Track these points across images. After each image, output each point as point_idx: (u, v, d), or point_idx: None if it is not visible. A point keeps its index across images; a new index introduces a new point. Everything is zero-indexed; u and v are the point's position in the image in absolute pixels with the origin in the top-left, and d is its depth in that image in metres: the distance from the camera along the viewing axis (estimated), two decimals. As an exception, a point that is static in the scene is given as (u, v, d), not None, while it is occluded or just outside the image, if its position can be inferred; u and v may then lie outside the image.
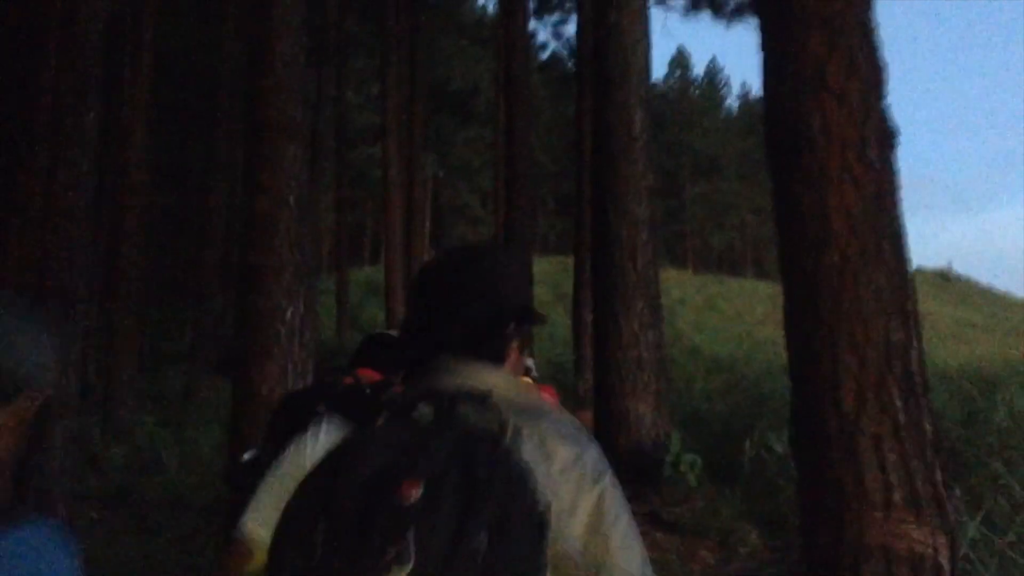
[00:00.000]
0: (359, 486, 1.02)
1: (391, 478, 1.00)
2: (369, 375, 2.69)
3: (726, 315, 30.01)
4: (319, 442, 1.22)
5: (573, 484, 1.14)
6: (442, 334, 1.28)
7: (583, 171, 13.43)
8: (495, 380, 1.23)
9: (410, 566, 0.94)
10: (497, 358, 1.28)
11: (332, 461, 1.09)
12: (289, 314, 4.81)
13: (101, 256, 10.88)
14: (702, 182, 50.25)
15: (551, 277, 33.05)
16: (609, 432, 6.84)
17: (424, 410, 1.12)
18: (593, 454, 1.19)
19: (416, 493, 0.98)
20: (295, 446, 1.28)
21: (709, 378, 13.19)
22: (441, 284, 1.32)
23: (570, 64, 21.59)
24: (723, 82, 58.40)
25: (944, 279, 57.56)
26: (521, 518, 1.02)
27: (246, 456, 2.36)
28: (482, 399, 1.15)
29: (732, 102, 59.71)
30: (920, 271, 58.22)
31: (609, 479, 1.18)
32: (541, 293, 36.44)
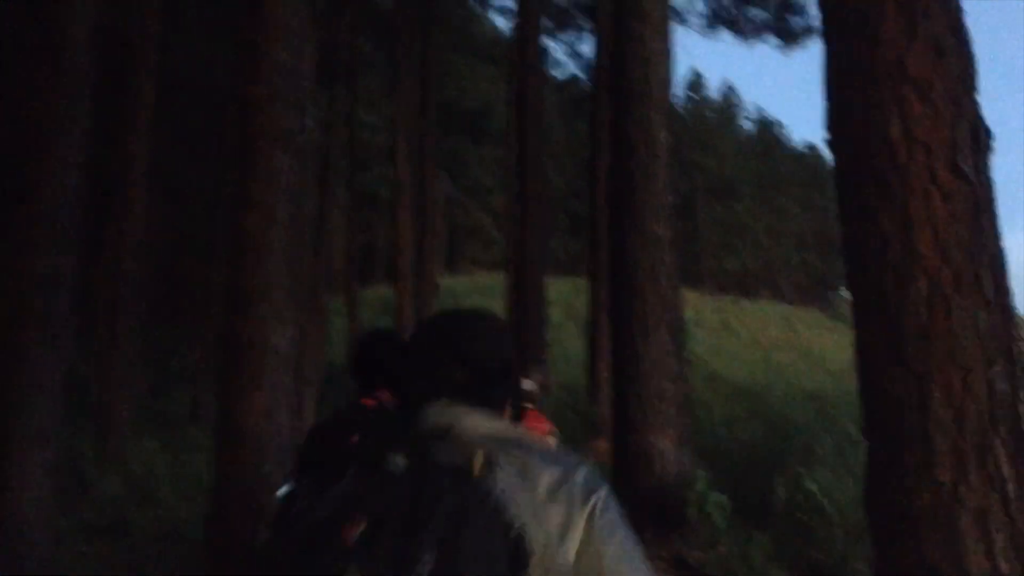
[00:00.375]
0: (301, 535, 1.00)
1: (333, 523, 0.98)
2: (388, 396, 2.70)
3: (742, 338, 29.33)
4: None
5: (562, 506, 1.07)
6: (433, 389, 1.21)
7: (597, 190, 13.01)
8: (472, 418, 1.16)
9: None
10: (491, 406, 1.21)
11: (280, 518, 1.07)
12: (281, 341, 4.36)
13: (103, 275, 10.53)
14: (716, 204, 49.78)
15: (564, 298, 32.62)
16: (629, 469, 6.34)
17: (396, 458, 1.07)
18: (583, 473, 1.12)
19: (356, 532, 0.96)
20: None
21: (729, 405, 12.62)
22: (432, 348, 1.26)
23: (585, 82, 21.25)
24: (737, 104, 58.03)
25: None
26: (478, 541, 0.97)
27: (280, 492, 2.39)
28: (442, 434, 1.12)
29: (747, 125, 59.34)
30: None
31: (603, 494, 1.11)
32: (554, 314, 35.76)
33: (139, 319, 10.73)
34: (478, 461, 1.05)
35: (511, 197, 19.49)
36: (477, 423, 1.15)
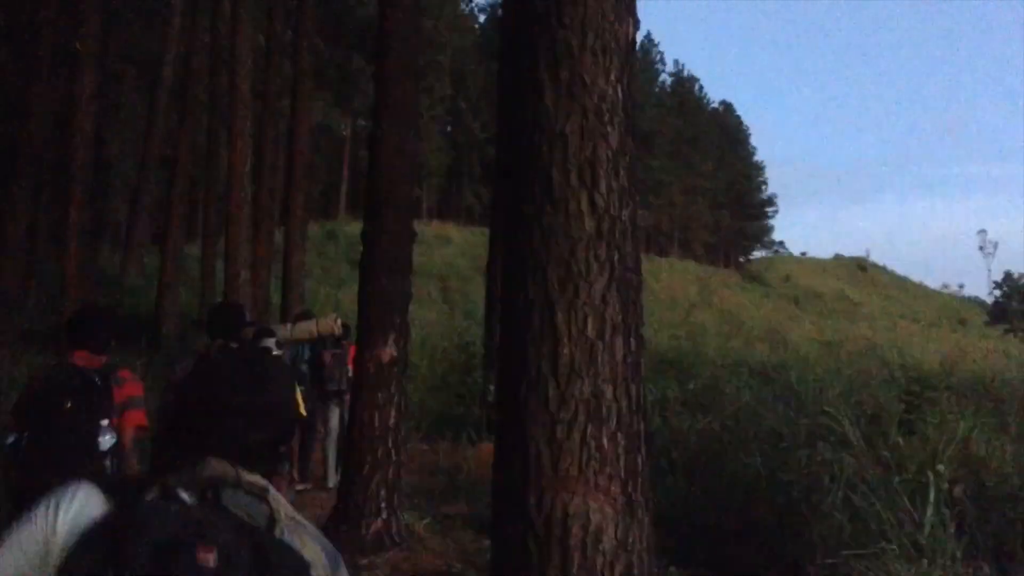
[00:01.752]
0: (152, 549, 1.06)
1: (185, 544, 1.07)
2: (84, 356, 3.43)
3: (660, 299, 26.55)
4: (73, 508, 1.17)
5: None
6: (223, 446, 1.24)
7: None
8: (251, 477, 1.24)
9: None
10: (270, 472, 1.29)
11: (111, 524, 1.11)
12: None
13: None
14: (633, 158, 47.24)
15: (472, 249, 29.50)
16: (521, 555, 3.08)
17: (190, 495, 1.18)
18: (344, 568, 1.29)
19: (212, 558, 1.07)
20: (45, 509, 1.19)
21: (670, 385, 9.39)
22: (235, 401, 1.27)
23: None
24: (655, 57, 54.92)
25: (862, 268, 55.97)
26: None
27: (8, 440, 3.02)
28: (260, 493, 1.22)
29: (665, 78, 56.33)
30: (840, 259, 56.56)
31: None
32: (462, 264, 32.58)
33: None
34: (280, 526, 1.18)
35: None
36: (257, 482, 1.23)
